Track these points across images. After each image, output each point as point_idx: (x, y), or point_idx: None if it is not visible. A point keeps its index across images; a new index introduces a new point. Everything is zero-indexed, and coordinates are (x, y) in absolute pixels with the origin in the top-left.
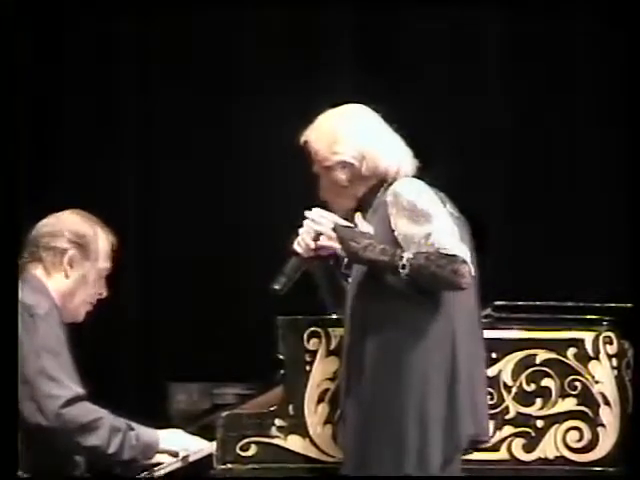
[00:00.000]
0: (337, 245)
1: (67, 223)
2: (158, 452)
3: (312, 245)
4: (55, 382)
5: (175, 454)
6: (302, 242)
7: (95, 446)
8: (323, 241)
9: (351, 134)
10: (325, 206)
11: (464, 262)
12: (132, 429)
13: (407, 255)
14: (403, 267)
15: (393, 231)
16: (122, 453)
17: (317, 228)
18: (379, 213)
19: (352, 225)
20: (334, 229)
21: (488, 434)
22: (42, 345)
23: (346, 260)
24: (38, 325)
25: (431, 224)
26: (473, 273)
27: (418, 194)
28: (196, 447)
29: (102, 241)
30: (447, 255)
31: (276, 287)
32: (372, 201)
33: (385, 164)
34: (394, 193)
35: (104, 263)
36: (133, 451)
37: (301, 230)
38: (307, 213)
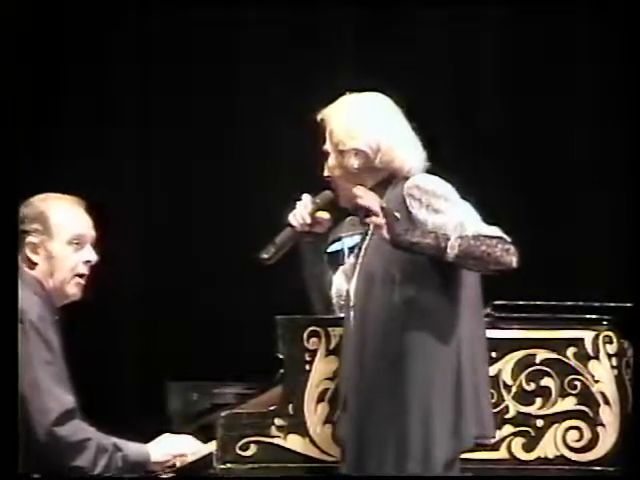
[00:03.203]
0: (383, 222)
1: (24, 210)
2: (150, 468)
3: (308, 220)
4: (47, 394)
5: (170, 464)
6: (298, 215)
7: (80, 467)
8: (320, 215)
9: (371, 123)
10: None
11: (511, 243)
12: (120, 450)
13: (454, 237)
14: (452, 248)
15: (416, 221)
16: (108, 474)
17: (364, 203)
18: (395, 207)
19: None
20: (381, 208)
21: (493, 434)
22: (34, 354)
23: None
24: (29, 332)
25: (460, 212)
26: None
27: (438, 184)
28: (190, 450)
29: (59, 212)
30: (493, 236)
31: (264, 256)
32: (381, 195)
33: (400, 159)
34: (413, 186)
35: (70, 232)
36: (120, 472)
37: (299, 203)
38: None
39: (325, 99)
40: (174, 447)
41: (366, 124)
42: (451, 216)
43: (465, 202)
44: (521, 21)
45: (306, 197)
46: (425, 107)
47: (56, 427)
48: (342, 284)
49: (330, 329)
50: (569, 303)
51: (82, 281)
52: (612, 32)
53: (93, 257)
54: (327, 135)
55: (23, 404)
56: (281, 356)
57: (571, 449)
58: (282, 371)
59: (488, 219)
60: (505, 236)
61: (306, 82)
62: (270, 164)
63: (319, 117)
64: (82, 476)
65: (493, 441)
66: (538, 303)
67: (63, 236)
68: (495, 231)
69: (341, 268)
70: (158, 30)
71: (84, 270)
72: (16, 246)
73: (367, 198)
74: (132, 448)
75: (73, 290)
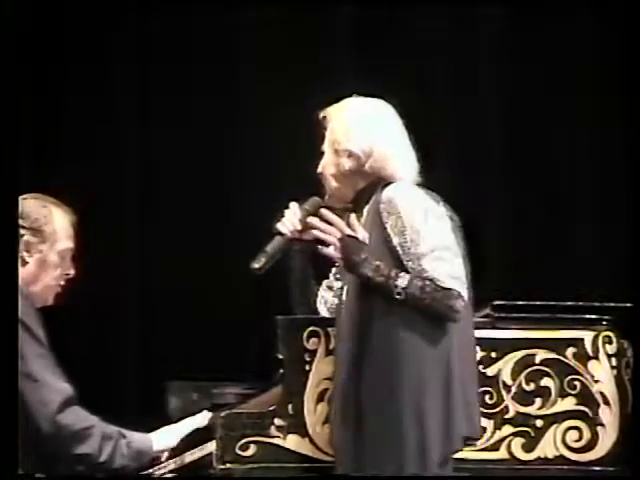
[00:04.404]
0: (338, 255)
1: (25, 206)
2: (153, 456)
3: (298, 227)
4: (45, 386)
5: (173, 453)
6: (288, 223)
7: (86, 454)
8: (312, 221)
9: (368, 128)
10: (321, 193)
11: (459, 296)
12: (124, 436)
13: (402, 283)
14: (399, 294)
15: (387, 237)
16: (113, 461)
17: (323, 237)
18: (373, 217)
19: (354, 234)
20: (340, 239)
21: (479, 433)
22: (25, 348)
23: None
24: (17, 331)
25: (424, 244)
26: (466, 302)
27: (412, 205)
28: (190, 427)
29: (59, 221)
30: (443, 288)
31: (255, 266)
32: (369, 199)
33: (391, 168)
34: (388, 200)
35: (64, 243)
36: (125, 459)
37: (287, 211)
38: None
39: (324, 100)
40: (176, 434)
41: (363, 128)
42: (411, 246)
43: (439, 227)
44: (521, 20)
45: (294, 205)
46: (423, 108)
47: (59, 416)
48: (329, 297)
49: (330, 329)
50: (569, 303)
51: (60, 291)
52: (612, 32)
53: (72, 272)
54: (327, 133)
55: (21, 399)
56: (281, 356)
57: (571, 449)
58: (282, 371)
59: (487, 219)
60: (457, 290)
61: (306, 83)
62: (270, 164)
63: (322, 115)
64: (87, 466)
65: (491, 441)
66: (538, 303)
67: (58, 246)
68: (451, 281)
69: (325, 282)
70: (158, 30)
71: (63, 282)
72: (16, 246)
73: (328, 230)
74: (136, 436)
75: (51, 299)
